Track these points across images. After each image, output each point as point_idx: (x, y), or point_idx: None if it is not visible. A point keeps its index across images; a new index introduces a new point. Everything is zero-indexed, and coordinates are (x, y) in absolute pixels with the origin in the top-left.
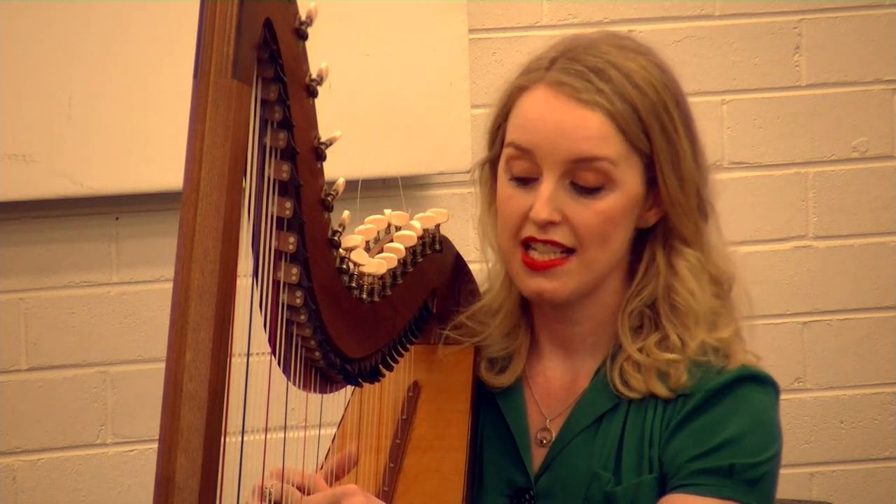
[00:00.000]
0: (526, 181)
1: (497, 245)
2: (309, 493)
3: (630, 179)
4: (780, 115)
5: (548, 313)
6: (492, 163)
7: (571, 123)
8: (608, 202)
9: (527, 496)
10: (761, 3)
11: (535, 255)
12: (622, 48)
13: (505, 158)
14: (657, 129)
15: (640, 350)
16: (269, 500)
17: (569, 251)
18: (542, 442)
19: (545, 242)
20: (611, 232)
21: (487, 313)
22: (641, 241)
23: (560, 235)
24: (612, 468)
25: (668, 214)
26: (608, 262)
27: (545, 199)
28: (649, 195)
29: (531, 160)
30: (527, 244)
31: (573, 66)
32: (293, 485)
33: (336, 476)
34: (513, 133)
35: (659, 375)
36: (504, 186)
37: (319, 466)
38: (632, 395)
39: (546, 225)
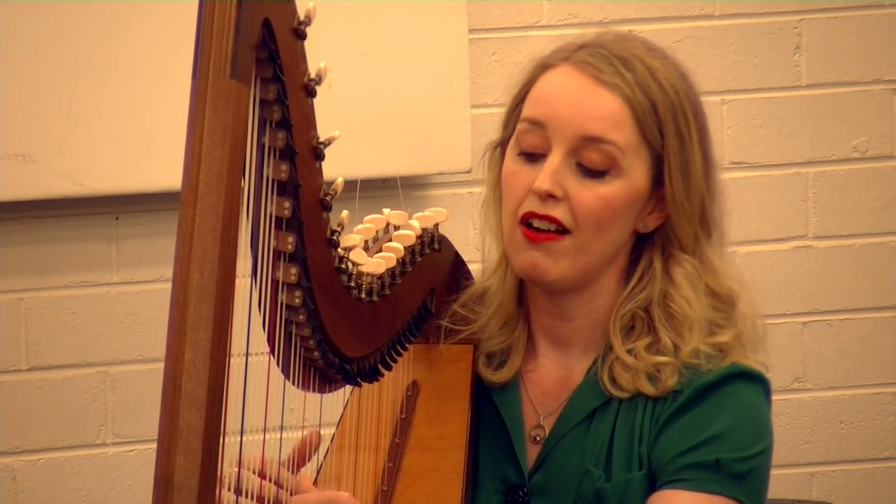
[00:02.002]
0: (534, 157)
1: (498, 223)
2: (293, 493)
3: (636, 172)
4: (780, 115)
5: (543, 307)
6: (503, 145)
7: (588, 100)
8: (611, 188)
9: (520, 493)
10: (761, 3)
11: (533, 232)
12: (651, 49)
13: (516, 135)
14: (672, 129)
15: (630, 352)
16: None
17: (565, 231)
18: (535, 439)
19: (543, 217)
20: (608, 219)
21: (480, 300)
22: (640, 246)
23: (559, 213)
24: (603, 465)
25: (670, 218)
26: (602, 252)
27: (550, 171)
28: (653, 196)
29: (542, 135)
30: (527, 221)
31: (600, 51)
32: (254, 472)
33: (298, 464)
34: (528, 109)
35: (648, 377)
36: (510, 162)
37: (319, 466)
38: (620, 394)
39: (546, 199)
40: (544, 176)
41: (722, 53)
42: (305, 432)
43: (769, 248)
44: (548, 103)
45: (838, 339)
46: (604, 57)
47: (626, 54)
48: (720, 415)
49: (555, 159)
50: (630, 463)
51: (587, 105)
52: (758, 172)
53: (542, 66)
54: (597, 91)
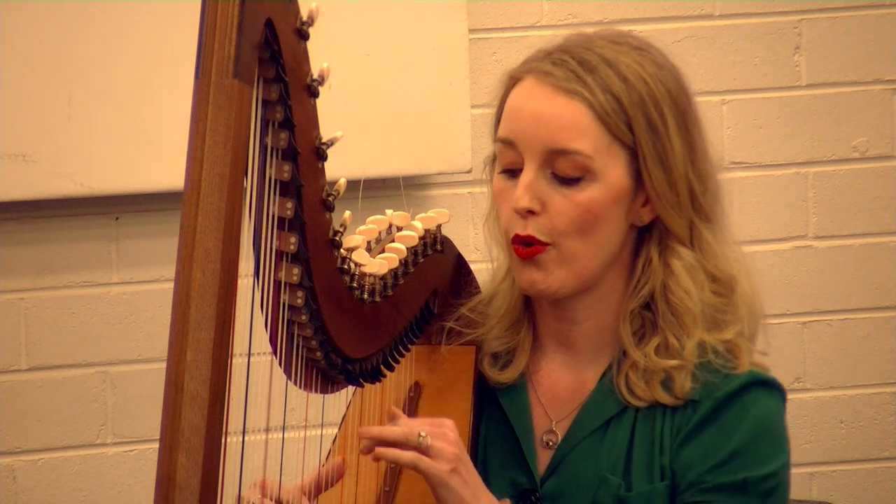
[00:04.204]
0: (514, 172)
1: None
2: None
3: (613, 172)
4: (780, 115)
5: (549, 311)
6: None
7: (549, 112)
8: (588, 193)
9: (532, 498)
10: (761, 3)
11: (523, 248)
12: (619, 44)
13: (496, 153)
14: (642, 123)
15: (644, 356)
16: None
17: (546, 243)
18: (548, 444)
19: (524, 238)
20: (591, 223)
21: (489, 305)
22: (641, 239)
23: (537, 230)
24: (621, 473)
25: (657, 210)
26: (595, 254)
27: (524, 186)
28: (640, 190)
29: (515, 151)
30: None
31: (563, 57)
32: (272, 499)
33: (320, 489)
34: (500, 128)
35: (663, 383)
36: (497, 180)
37: (321, 466)
38: (638, 403)
39: (526, 214)
40: (520, 193)
41: (722, 53)
42: (334, 460)
43: (769, 248)
44: (514, 120)
45: (838, 339)
46: (564, 63)
47: (588, 57)
48: (741, 427)
49: (527, 174)
50: (651, 471)
51: (549, 118)
52: (758, 172)
53: (512, 80)
54: (556, 101)
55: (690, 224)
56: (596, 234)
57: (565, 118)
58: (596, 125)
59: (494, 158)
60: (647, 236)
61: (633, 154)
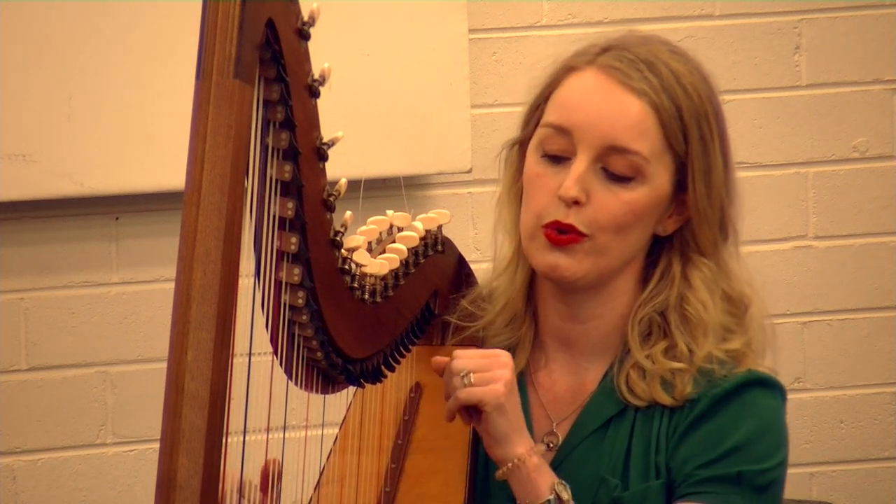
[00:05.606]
0: (558, 160)
1: (518, 223)
2: None
3: (660, 177)
4: (780, 115)
5: (554, 308)
6: (522, 144)
7: (615, 108)
8: (636, 194)
9: None
10: (761, 3)
11: (556, 234)
12: (673, 52)
13: (540, 137)
14: (696, 134)
15: (648, 357)
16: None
17: (584, 234)
18: (548, 445)
19: (565, 227)
20: (630, 224)
21: (488, 298)
22: (658, 249)
23: (579, 221)
24: (620, 474)
25: (691, 222)
26: (621, 253)
27: (576, 177)
28: (674, 200)
29: (568, 139)
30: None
31: (626, 54)
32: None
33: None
34: (552, 114)
35: (663, 384)
36: (534, 164)
37: (322, 467)
38: (637, 402)
39: (571, 204)
40: (570, 183)
41: (722, 53)
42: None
43: (769, 248)
44: (574, 109)
45: (838, 339)
46: (630, 61)
47: (651, 58)
48: (740, 424)
49: (580, 165)
50: (647, 472)
51: (613, 112)
52: (758, 172)
53: (567, 69)
54: (623, 97)
55: (715, 240)
56: (629, 235)
57: (631, 117)
58: (656, 129)
59: (516, 143)
60: (666, 246)
61: (680, 164)
